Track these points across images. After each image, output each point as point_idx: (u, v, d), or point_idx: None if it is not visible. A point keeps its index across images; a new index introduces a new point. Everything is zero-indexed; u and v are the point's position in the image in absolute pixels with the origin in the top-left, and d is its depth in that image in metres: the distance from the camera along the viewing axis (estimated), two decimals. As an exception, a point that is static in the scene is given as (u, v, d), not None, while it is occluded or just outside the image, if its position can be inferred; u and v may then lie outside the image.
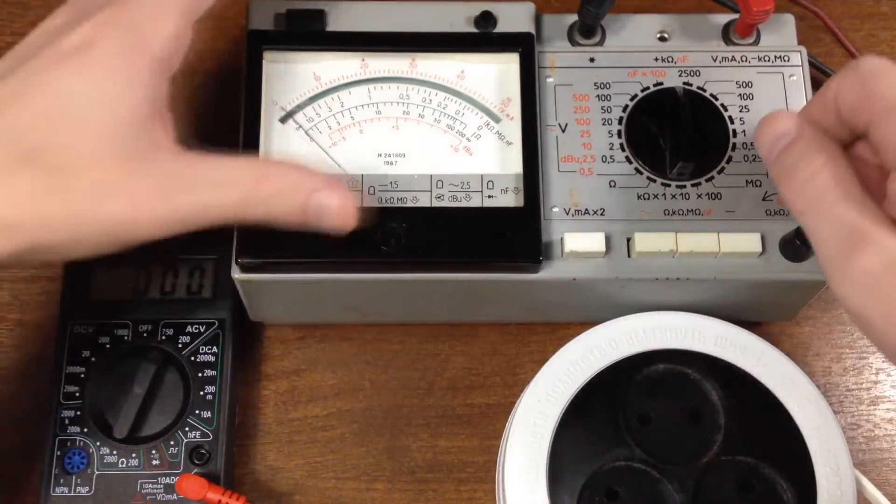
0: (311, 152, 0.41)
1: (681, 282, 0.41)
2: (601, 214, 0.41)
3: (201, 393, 0.42)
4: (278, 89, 0.42)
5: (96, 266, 0.43)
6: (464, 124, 0.42)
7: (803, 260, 0.40)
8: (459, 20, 0.43)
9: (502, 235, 0.39)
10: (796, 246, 0.40)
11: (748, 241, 0.40)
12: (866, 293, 0.28)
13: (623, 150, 0.42)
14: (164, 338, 0.43)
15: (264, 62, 0.42)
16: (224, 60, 0.49)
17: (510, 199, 0.40)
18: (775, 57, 0.44)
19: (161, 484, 0.41)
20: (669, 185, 0.41)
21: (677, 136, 0.41)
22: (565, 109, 0.43)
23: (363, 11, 0.43)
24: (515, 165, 0.41)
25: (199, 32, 0.35)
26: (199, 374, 0.42)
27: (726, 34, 0.44)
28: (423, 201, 0.40)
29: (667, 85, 0.43)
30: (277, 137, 0.41)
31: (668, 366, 0.41)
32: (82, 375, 0.42)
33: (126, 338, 0.42)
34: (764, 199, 0.41)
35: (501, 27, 0.43)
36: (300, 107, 0.42)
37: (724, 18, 0.45)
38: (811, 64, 0.45)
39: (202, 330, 0.43)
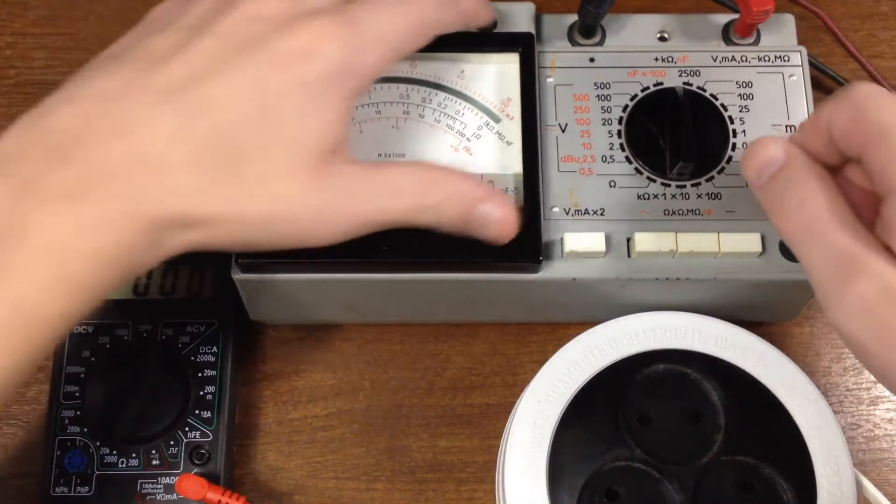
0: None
1: (681, 282, 0.41)
2: (601, 214, 0.41)
3: (201, 393, 0.42)
4: (278, 89, 0.42)
5: (96, 266, 0.43)
6: (464, 124, 0.42)
7: (803, 260, 0.40)
8: (459, 20, 0.43)
9: (502, 235, 0.39)
10: (796, 246, 0.40)
11: (748, 241, 0.40)
12: (861, 320, 0.28)
13: (623, 150, 0.42)
14: (164, 338, 0.43)
15: (264, 62, 0.42)
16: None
17: (510, 199, 0.40)
18: (775, 57, 0.44)
19: (161, 484, 0.41)
20: (669, 185, 0.41)
21: (677, 136, 0.41)
22: (565, 109, 0.43)
23: (363, 11, 0.43)
24: (515, 165, 0.41)
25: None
26: (199, 374, 0.42)
27: (726, 34, 0.44)
28: (423, 201, 0.40)
29: (667, 85, 0.43)
30: (277, 137, 0.41)
31: (668, 366, 0.41)
32: (82, 375, 0.42)
33: (126, 338, 0.42)
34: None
35: (501, 27, 0.43)
36: (300, 107, 0.42)
37: (724, 18, 0.45)
38: (811, 64, 0.45)
39: (202, 330, 0.43)
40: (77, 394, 0.42)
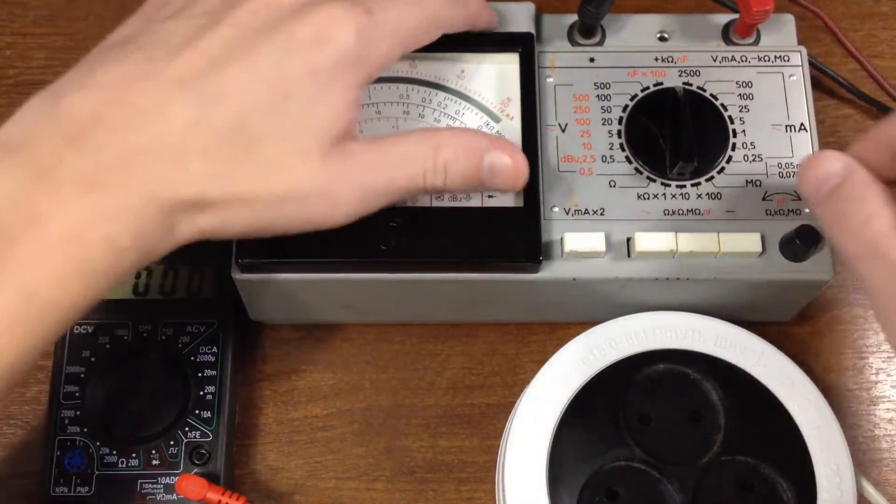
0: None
1: (681, 282, 0.41)
2: (601, 214, 0.41)
3: (201, 393, 0.42)
4: (278, 89, 0.42)
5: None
6: (464, 124, 0.42)
7: (803, 260, 0.40)
8: (459, 20, 0.43)
9: (502, 235, 0.39)
10: (796, 246, 0.40)
11: (748, 241, 0.40)
12: None
13: (623, 150, 0.42)
14: (164, 338, 0.43)
15: (264, 62, 0.42)
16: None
17: (510, 199, 0.40)
18: (775, 57, 0.44)
19: (161, 484, 0.41)
20: (669, 185, 0.41)
21: (677, 136, 0.41)
22: (565, 109, 0.43)
23: (363, 11, 0.43)
24: (515, 165, 0.41)
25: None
26: (199, 374, 0.42)
27: (726, 34, 0.44)
28: (423, 201, 0.40)
29: (667, 85, 0.43)
30: (277, 137, 0.41)
31: (668, 366, 0.41)
32: (82, 375, 0.42)
33: (126, 338, 0.42)
34: (764, 199, 0.41)
35: (501, 27, 0.43)
36: (300, 107, 0.42)
37: (724, 18, 0.45)
38: (811, 64, 0.45)
39: (202, 330, 0.43)
40: (77, 394, 0.42)
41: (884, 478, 0.44)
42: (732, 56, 0.44)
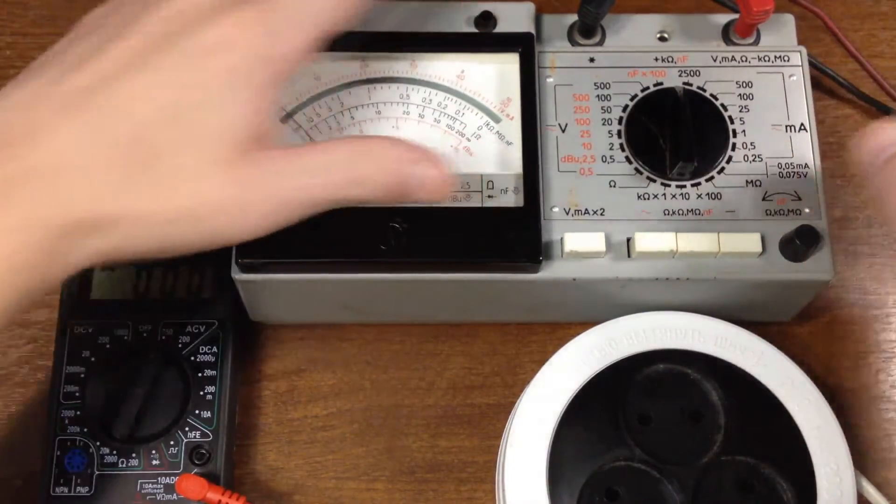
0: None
1: (681, 282, 0.41)
2: (601, 214, 0.41)
3: (201, 393, 0.42)
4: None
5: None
6: (464, 124, 0.42)
7: (803, 260, 0.40)
8: (459, 20, 0.43)
9: (502, 235, 0.39)
10: (796, 246, 0.40)
11: (748, 241, 0.40)
12: None
13: (623, 150, 0.42)
14: (164, 338, 0.43)
15: (264, 62, 0.42)
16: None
17: (510, 199, 0.40)
18: (775, 57, 0.44)
19: (161, 484, 0.41)
20: (669, 185, 0.41)
21: (677, 136, 0.41)
22: (565, 109, 0.43)
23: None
24: (515, 165, 0.41)
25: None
26: (199, 374, 0.42)
27: (726, 34, 0.44)
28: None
29: (667, 85, 0.43)
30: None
31: (668, 366, 0.41)
32: (82, 375, 0.42)
33: (126, 338, 0.42)
34: (764, 199, 0.41)
35: (501, 27, 0.43)
36: (300, 107, 0.42)
37: (724, 18, 0.45)
38: (811, 64, 0.45)
39: (202, 330, 0.43)
40: (77, 394, 0.42)
41: (884, 478, 0.44)
42: (732, 56, 0.44)
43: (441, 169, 0.35)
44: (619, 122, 0.42)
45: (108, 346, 0.42)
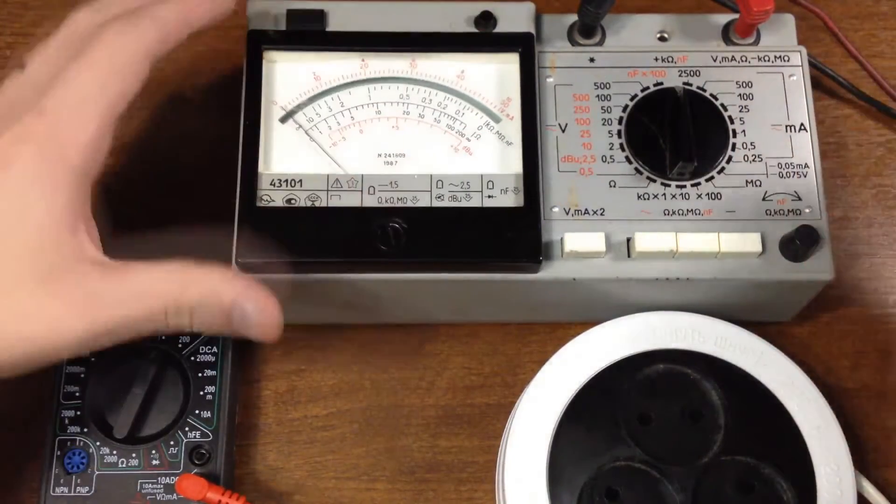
0: (311, 152, 0.41)
1: (681, 282, 0.41)
2: (601, 214, 0.41)
3: (201, 393, 0.42)
4: (278, 89, 0.42)
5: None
6: (464, 124, 0.42)
7: (803, 260, 0.40)
8: (459, 20, 0.43)
9: (502, 235, 0.39)
10: (796, 246, 0.40)
11: (748, 241, 0.40)
12: None
13: (623, 150, 0.42)
14: (164, 338, 0.43)
15: (264, 62, 0.42)
16: (224, 61, 0.49)
17: (510, 199, 0.40)
18: (775, 57, 0.44)
19: (161, 484, 0.41)
20: (669, 185, 0.41)
21: (677, 136, 0.41)
22: (565, 109, 0.43)
23: (363, 11, 0.43)
24: (515, 165, 0.41)
25: (118, 131, 0.35)
26: (199, 374, 0.42)
27: (726, 34, 0.44)
28: (423, 201, 0.40)
29: (667, 85, 0.43)
30: (277, 137, 0.41)
31: (668, 366, 0.41)
32: (82, 375, 0.42)
33: (126, 338, 0.42)
34: (764, 199, 0.41)
35: (501, 27, 0.43)
36: (300, 107, 0.42)
37: (724, 18, 0.45)
38: (811, 64, 0.45)
39: (202, 330, 0.43)
40: (77, 394, 0.42)
41: (884, 478, 0.44)
42: (732, 56, 0.44)
43: (266, 305, 0.34)
44: (619, 122, 0.42)
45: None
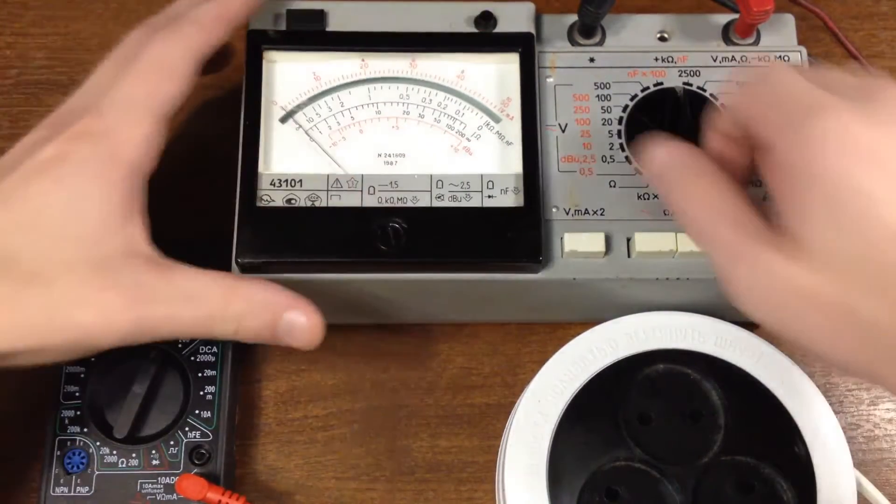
0: (311, 152, 0.41)
1: (681, 282, 0.41)
2: (601, 214, 0.41)
3: (201, 393, 0.42)
4: (278, 89, 0.42)
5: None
6: (464, 124, 0.42)
7: (803, 260, 0.40)
8: (459, 20, 0.43)
9: (502, 235, 0.39)
10: (796, 246, 0.40)
11: (748, 241, 0.40)
12: (758, 307, 0.31)
13: (623, 149, 0.42)
14: (164, 338, 0.43)
15: (264, 62, 0.42)
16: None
17: (510, 199, 0.40)
18: (775, 57, 0.44)
19: (161, 484, 0.41)
20: (669, 185, 0.41)
21: (677, 136, 0.41)
22: (565, 109, 0.43)
23: (363, 11, 0.43)
24: (515, 165, 0.41)
25: (171, 130, 0.37)
26: (199, 374, 0.42)
27: (726, 34, 0.44)
28: (423, 201, 0.40)
29: (667, 85, 0.43)
30: (277, 137, 0.41)
31: (668, 366, 0.41)
32: (82, 375, 0.42)
33: (126, 338, 0.42)
34: (764, 199, 0.41)
35: (501, 27, 0.43)
36: (300, 107, 0.42)
37: (724, 18, 0.45)
38: (811, 64, 0.45)
39: (202, 330, 0.43)
40: (77, 394, 0.42)
41: (884, 478, 0.44)
42: (732, 56, 0.44)
43: (312, 317, 0.36)
44: (619, 122, 0.42)
45: (108, 346, 0.42)
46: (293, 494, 0.43)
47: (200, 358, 0.42)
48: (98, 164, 0.34)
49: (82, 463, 0.41)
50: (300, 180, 0.41)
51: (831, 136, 0.29)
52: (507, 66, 0.43)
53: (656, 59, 0.43)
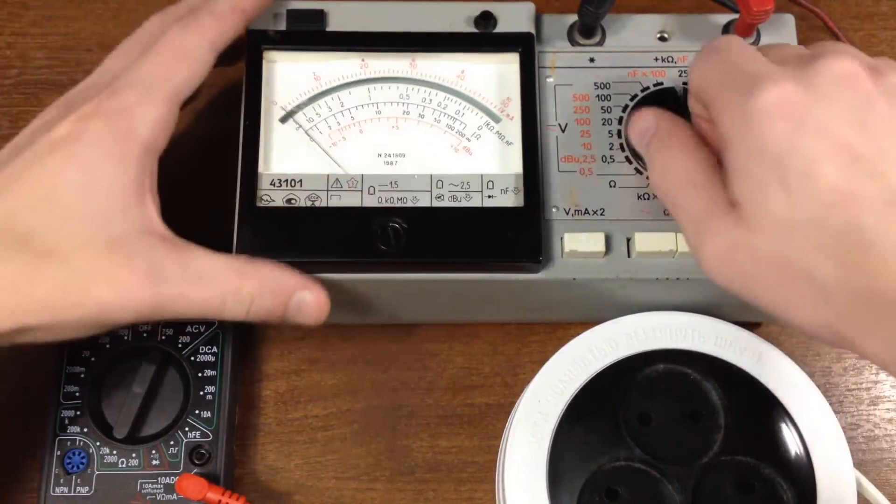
0: (311, 152, 0.41)
1: (681, 282, 0.41)
2: (601, 214, 0.41)
3: (201, 393, 0.42)
4: (278, 89, 0.42)
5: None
6: (464, 124, 0.42)
7: (803, 260, 0.40)
8: (459, 20, 0.43)
9: (502, 235, 0.39)
10: (796, 246, 0.40)
11: (748, 241, 0.40)
12: (722, 272, 0.33)
13: (623, 150, 0.42)
14: (164, 338, 0.43)
15: (264, 62, 0.42)
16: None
17: (510, 199, 0.40)
18: (775, 57, 0.44)
19: (161, 484, 0.41)
20: (669, 185, 0.41)
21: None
22: (565, 109, 0.43)
23: (363, 11, 0.43)
24: (515, 165, 0.41)
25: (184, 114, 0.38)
26: (199, 374, 0.42)
27: (726, 34, 0.44)
28: (423, 201, 0.40)
29: (667, 85, 0.43)
30: (277, 137, 0.41)
31: (668, 366, 0.41)
32: (82, 375, 0.42)
33: (126, 338, 0.42)
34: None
35: (501, 27, 0.43)
36: (300, 107, 0.42)
37: (724, 18, 0.45)
38: (811, 64, 0.45)
39: (202, 330, 0.43)
40: (77, 394, 0.42)
41: (884, 478, 0.44)
42: (732, 56, 0.44)
43: (319, 295, 0.37)
44: (619, 122, 0.42)
45: (108, 346, 0.42)
46: (293, 494, 0.43)
47: (200, 358, 0.42)
48: (112, 142, 0.34)
49: (82, 463, 0.41)
50: (300, 180, 0.41)
51: (773, 108, 0.30)
52: (507, 66, 0.43)
53: (656, 59, 0.43)
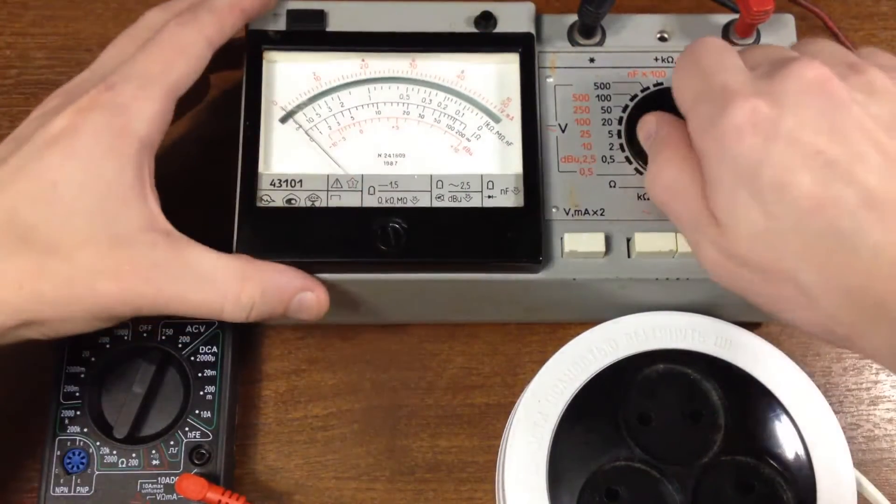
0: (311, 152, 0.41)
1: (681, 282, 0.41)
2: (601, 214, 0.41)
3: (201, 393, 0.42)
4: (278, 89, 0.42)
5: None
6: (464, 124, 0.42)
7: (803, 260, 0.40)
8: (459, 20, 0.43)
9: (502, 235, 0.39)
10: (796, 246, 0.40)
11: (748, 241, 0.40)
12: (721, 276, 0.34)
13: (623, 150, 0.42)
14: (164, 338, 0.43)
15: (264, 62, 0.42)
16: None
17: (510, 199, 0.40)
18: (775, 57, 0.44)
19: (161, 484, 0.41)
20: (669, 185, 0.41)
21: (677, 136, 0.41)
22: (565, 109, 0.43)
23: (363, 11, 0.43)
24: (515, 165, 0.41)
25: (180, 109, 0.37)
26: (199, 374, 0.42)
27: (726, 34, 0.44)
28: (423, 201, 0.40)
29: (667, 85, 0.43)
30: (277, 137, 0.41)
31: (668, 366, 0.41)
32: (82, 375, 0.42)
33: (126, 338, 0.42)
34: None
35: (501, 27, 0.43)
36: (300, 107, 0.42)
37: (724, 18, 0.45)
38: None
39: (202, 330, 0.43)
40: (77, 394, 0.42)
41: (884, 478, 0.44)
42: (732, 56, 0.44)
43: (320, 293, 0.38)
44: (619, 122, 0.42)
45: (108, 345, 0.42)
46: (293, 494, 0.43)
47: (200, 358, 0.42)
48: (110, 137, 0.34)
49: (82, 463, 0.41)
50: (300, 180, 0.41)
51: (743, 124, 0.31)
52: (507, 66, 0.43)
53: (656, 59, 0.43)
